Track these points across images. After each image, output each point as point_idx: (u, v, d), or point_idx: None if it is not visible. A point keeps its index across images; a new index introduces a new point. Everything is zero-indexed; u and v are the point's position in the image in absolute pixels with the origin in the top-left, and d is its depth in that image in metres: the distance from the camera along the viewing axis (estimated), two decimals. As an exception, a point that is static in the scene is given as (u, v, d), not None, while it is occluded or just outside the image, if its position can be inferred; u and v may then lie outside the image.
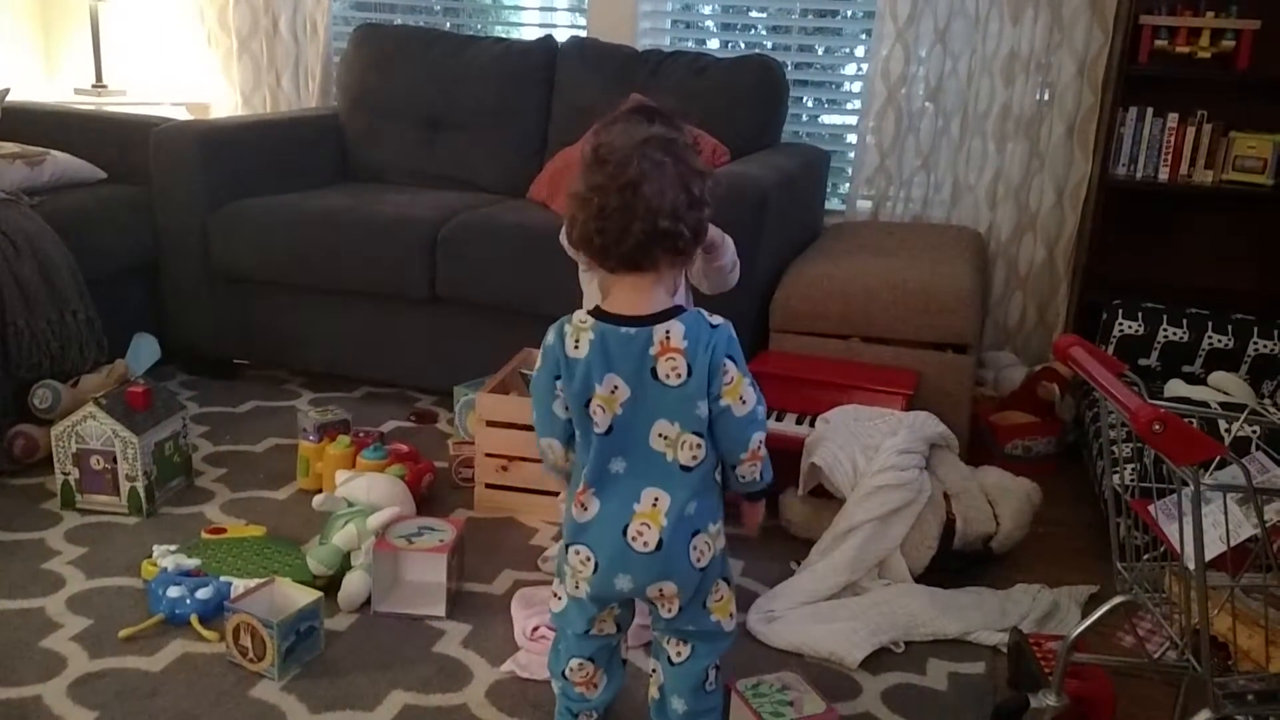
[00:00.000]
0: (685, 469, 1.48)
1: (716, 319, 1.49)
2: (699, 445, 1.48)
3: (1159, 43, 2.97)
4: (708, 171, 1.46)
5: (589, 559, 1.51)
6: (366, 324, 3.10)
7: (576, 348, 1.47)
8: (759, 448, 1.52)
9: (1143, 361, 2.99)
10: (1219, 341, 2.91)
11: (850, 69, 3.66)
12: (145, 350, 2.88)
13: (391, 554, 2.05)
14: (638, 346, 1.45)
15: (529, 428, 2.37)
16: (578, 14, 3.86)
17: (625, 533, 1.48)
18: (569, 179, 3.00)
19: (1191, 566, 1.36)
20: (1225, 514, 1.35)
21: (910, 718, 1.81)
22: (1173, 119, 3.04)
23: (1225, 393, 2.47)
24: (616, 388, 1.46)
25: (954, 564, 2.26)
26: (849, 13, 3.57)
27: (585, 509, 1.51)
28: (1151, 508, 1.54)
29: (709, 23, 3.82)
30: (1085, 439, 2.80)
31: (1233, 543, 1.35)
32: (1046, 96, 3.27)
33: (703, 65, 3.39)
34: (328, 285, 3.06)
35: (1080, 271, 3.22)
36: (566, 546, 1.55)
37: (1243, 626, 1.43)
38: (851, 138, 3.62)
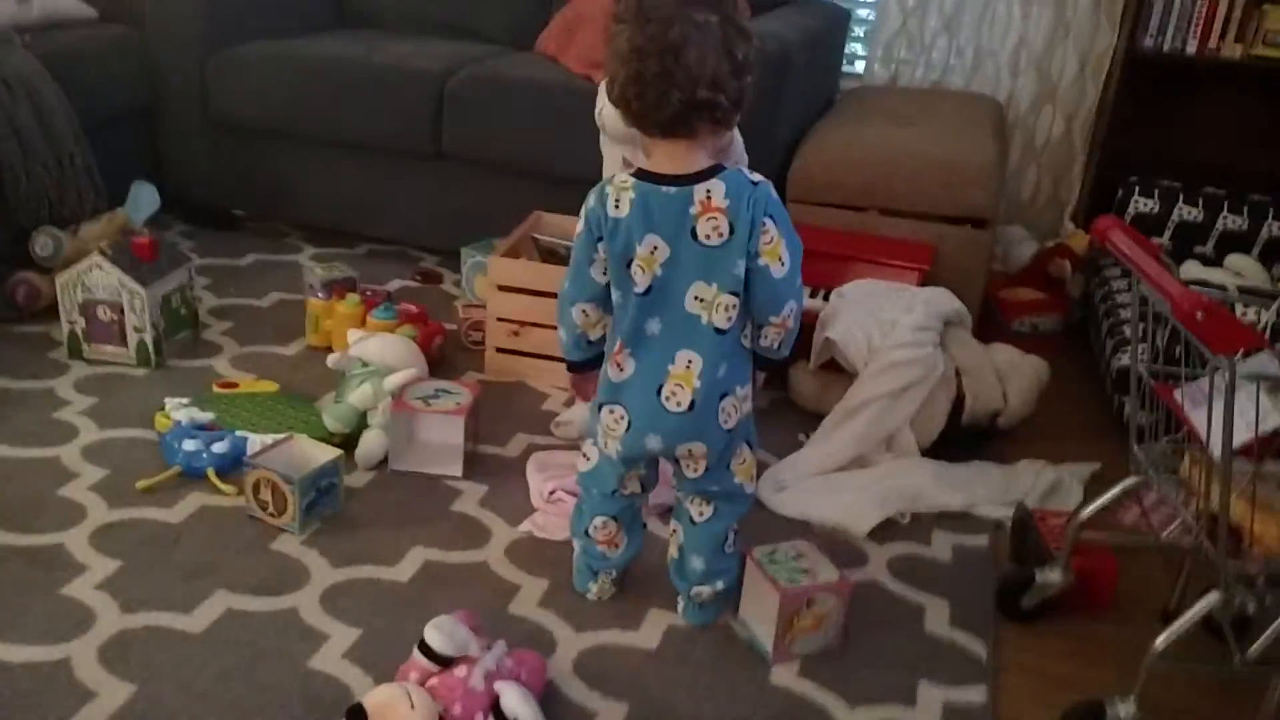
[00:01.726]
0: (719, 331, 1.48)
1: (757, 176, 1.46)
2: (734, 306, 1.47)
3: (1200, -92, 2.84)
4: (753, 34, 1.40)
5: (622, 418, 1.53)
6: (369, 178, 3.03)
7: (618, 208, 1.45)
8: (790, 316, 1.51)
9: (1155, 240, 2.97)
10: (1233, 223, 2.90)
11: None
12: (145, 198, 2.81)
13: (409, 414, 2.05)
14: (678, 206, 1.43)
15: (541, 293, 2.39)
16: None
17: (659, 393, 1.50)
18: (581, 34, 2.95)
19: (1218, 453, 1.37)
20: (1257, 403, 1.35)
21: (915, 587, 1.86)
22: (1209, -11, 2.94)
23: (1240, 275, 2.46)
24: (656, 248, 1.45)
25: (960, 438, 2.28)
26: None
27: (621, 369, 1.52)
28: (1176, 393, 1.55)
29: None
30: (1093, 318, 2.81)
31: (1260, 432, 1.36)
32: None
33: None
34: (330, 136, 2.98)
35: (1099, 145, 3.16)
36: (600, 406, 1.56)
37: (1259, 512, 1.45)
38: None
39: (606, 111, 2.00)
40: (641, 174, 1.46)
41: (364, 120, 2.91)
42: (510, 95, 2.81)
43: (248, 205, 3.20)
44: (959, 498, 2.11)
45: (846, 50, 3.49)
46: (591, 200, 1.49)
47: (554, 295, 2.35)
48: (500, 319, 2.46)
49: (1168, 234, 2.95)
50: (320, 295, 2.54)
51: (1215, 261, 2.69)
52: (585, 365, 1.64)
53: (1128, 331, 2.46)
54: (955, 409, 2.26)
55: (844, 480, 2.11)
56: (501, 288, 2.43)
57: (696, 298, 1.47)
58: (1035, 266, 2.97)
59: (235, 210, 3.24)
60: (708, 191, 1.43)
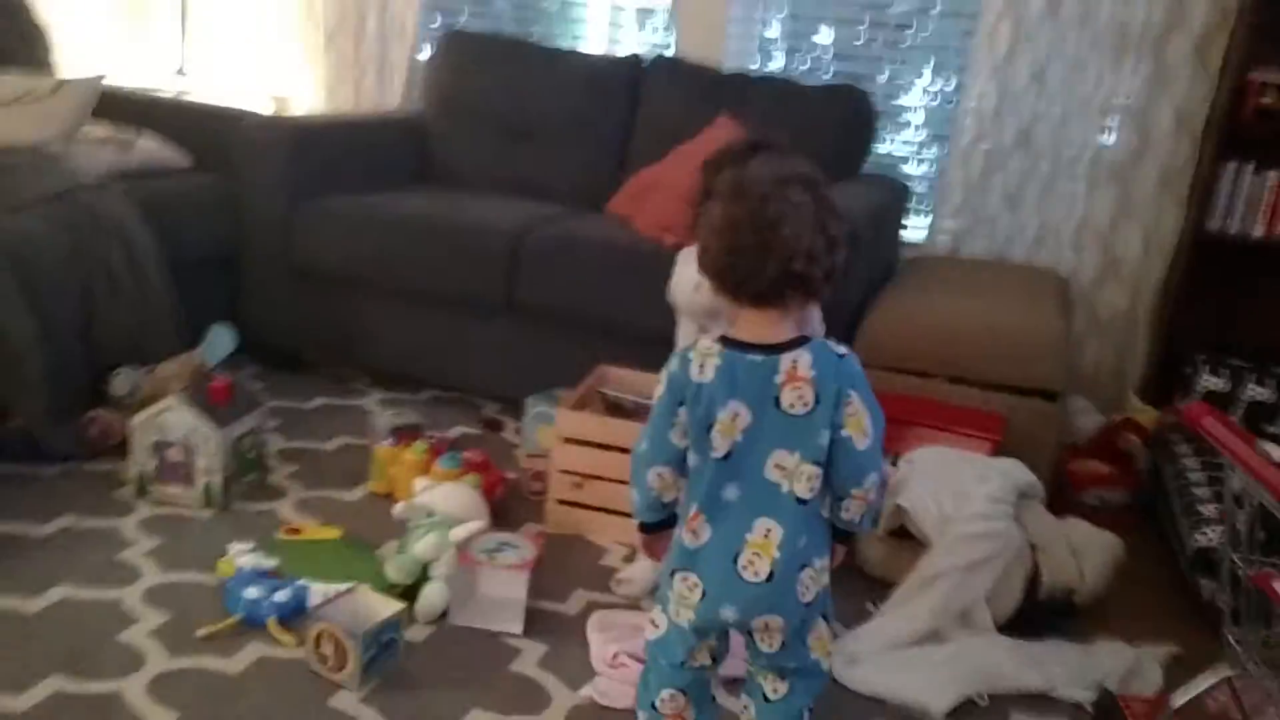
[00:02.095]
0: (800, 501, 1.46)
1: (842, 348, 1.47)
2: (817, 476, 1.45)
3: (1264, 100, 2.91)
4: (845, 214, 1.44)
5: (696, 585, 1.49)
6: (439, 328, 3.09)
7: (701, 372, 1.45)
8: (872, 489, 1.49)
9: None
10: (1306, 404, 2.86)
11: (914, 96, 3.62)
12: (222, 341, 2.89)
13: (473, 568, 2.03)
14: (764, 374, 1.44)
15: (607, 446, 2.39)
16: (662, 31, 3.85)
17: (736, 561, 1.46)
18: (653, 198, 3.03)
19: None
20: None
21: (997, 777, 1.77)
22: (1272, 176, 2.98)
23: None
24: (738, 414, 1.45)
25: (1036, 616, 2.21)
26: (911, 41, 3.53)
27: (696, 535, 1.50)
28: (1277, 583, 1.49)
29: (809, 45, 3.78)
30: (1163, 495, 2.74)
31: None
32: (1142, 144, 3.21)
33: (791, 91, 3.37)
34: (406, 287, 3.06)
35: (1164, 322, 3.16)
36: (672, 573, 1.53)
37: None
38: (910, 167, 3.58)
39: (677, 287, 2.04)
40: (727, 341, 1.47)
41: (442, 272, 2.99)
42: (582, 253, 2.88)
43: (319, 350, 3.27)
44: (1038, 678, 2.02)
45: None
46: (674, 364, 1.50)
47: (620, 450, 2.40)
48: (564, 470, 2.45)
49: (1239, 412, 2.91)
50: (387, 441, 2.56)
51: (1295, 443, 2.64)
52: (657, 526, 1.62)
53: (1205, 511, 2.41)
54: (1031, 585, 2.20)
55: (919, 656, 2.04)
56: (568, 439, 2.43)
57: (777, 466, 1.46)
58: (1103, 439, 2.93)
59: (306, 355, 3.30)
60: (794, 361, 1.44)
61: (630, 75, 3.53)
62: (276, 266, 3.14)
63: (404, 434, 2.62)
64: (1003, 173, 3.36)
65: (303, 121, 3.33)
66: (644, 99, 3.49)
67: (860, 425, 1.45)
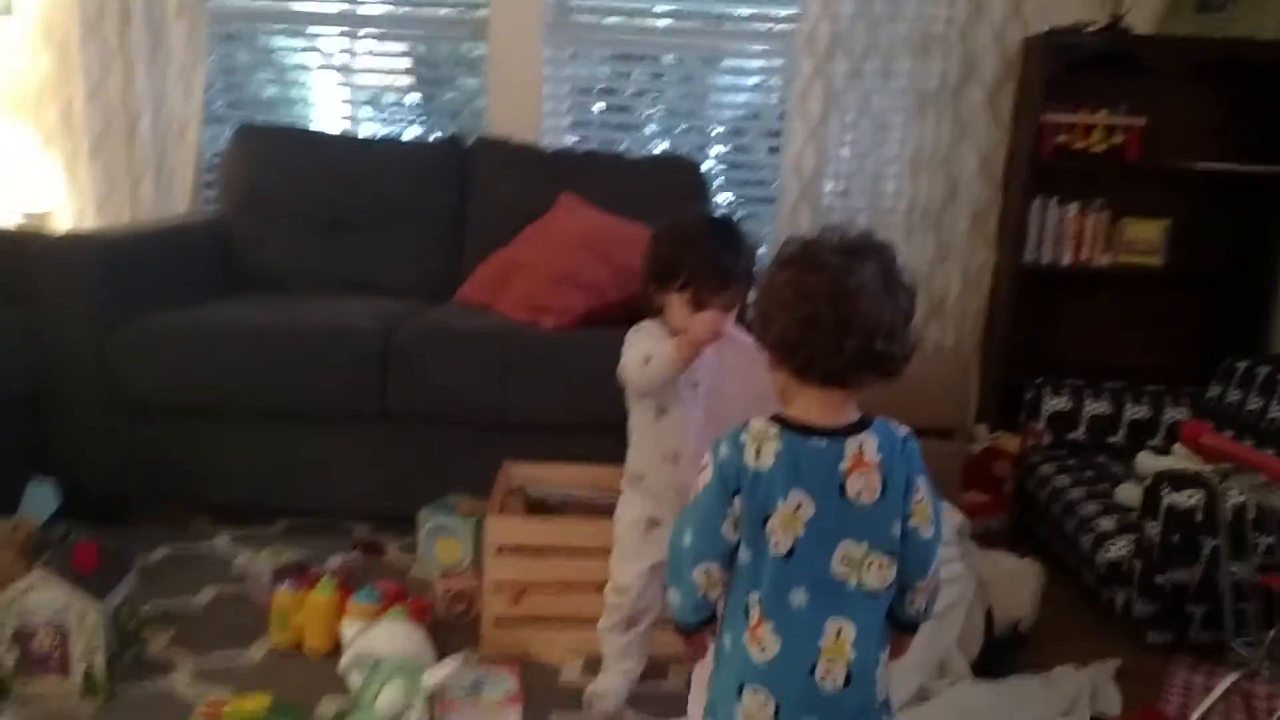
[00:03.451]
0: (871, 594, 1.38)
1: (903, 429, 1.42)
2: (889, 565, 1.38)
3: (1059, 139, 3.21)
4: (913, 284, 1.40)
5: (768, 702, 1.37)
6: (295, 448, 2.79)
7: (758, 458, 1.35)
8: (935, 576, 1.45)
9: (1072, 435, 3.17)
10: (1137, 412, 3.14)
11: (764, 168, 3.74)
12: (42, 499, 2.47)
13: (457, 713, 1.81)
14: (829, 460, 1.35)
15: (548, 550, 2.22)
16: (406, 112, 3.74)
17: (813, 673, 1.36)
18: (519, 280, 2.90)
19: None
20: None
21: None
22: (1073, 208, 3.28)
23: (1192, 460, 2.63)
24: (801, 505, 1.34)
25: (994, 653, 2.26)
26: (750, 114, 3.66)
27: (764, 648, 1.37)
28: (1291, 585, 1.59)
29: (621, 120, 3.79)
30: (1042, 515, 2.91)
31: None
32: (949, 190, 3.44)
33: (625, 165, 3.37)
34: (253, 407, 2.74)
35: (996, 351, 3.38)
36: (739, 687, 1.40)
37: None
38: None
39: (628, 366, 1.94)
40: (784, 422, 1.38)
41: (296, 387, 2.70)
42: (461, 346, 2.71)
43: (150, 492, 2.84)
44: (1026, 717, 2.06)
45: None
46: (724, 450, 1.38)
47: (561, 550, 2.24)
48: (499, 584, 2.26)
49: (1083, 427, 3.15)
50: (284, 586, 2.25)
51: (1164, 450, 2.89)
52: (700, 626, 1.50)
53: (1103, 526, 2.57)
54: (987, 623, 2.25)
55: (911, 717, 2.02)
56: (501, 549, 2.24)
57: (844, 558, 1.36)
58: (975, 469, 3.07)
59: (135, 498, 2.88)
60: (860, 446, 1.35)
61: (453, 158, 3.40)
62: (92, 401, 2.72)
63: (297, 575, 2.33)
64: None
65: (105, 236, 2.92)
66: (473, 182, 3.36)
67: (926, 514, 1.39)
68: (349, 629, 2.03)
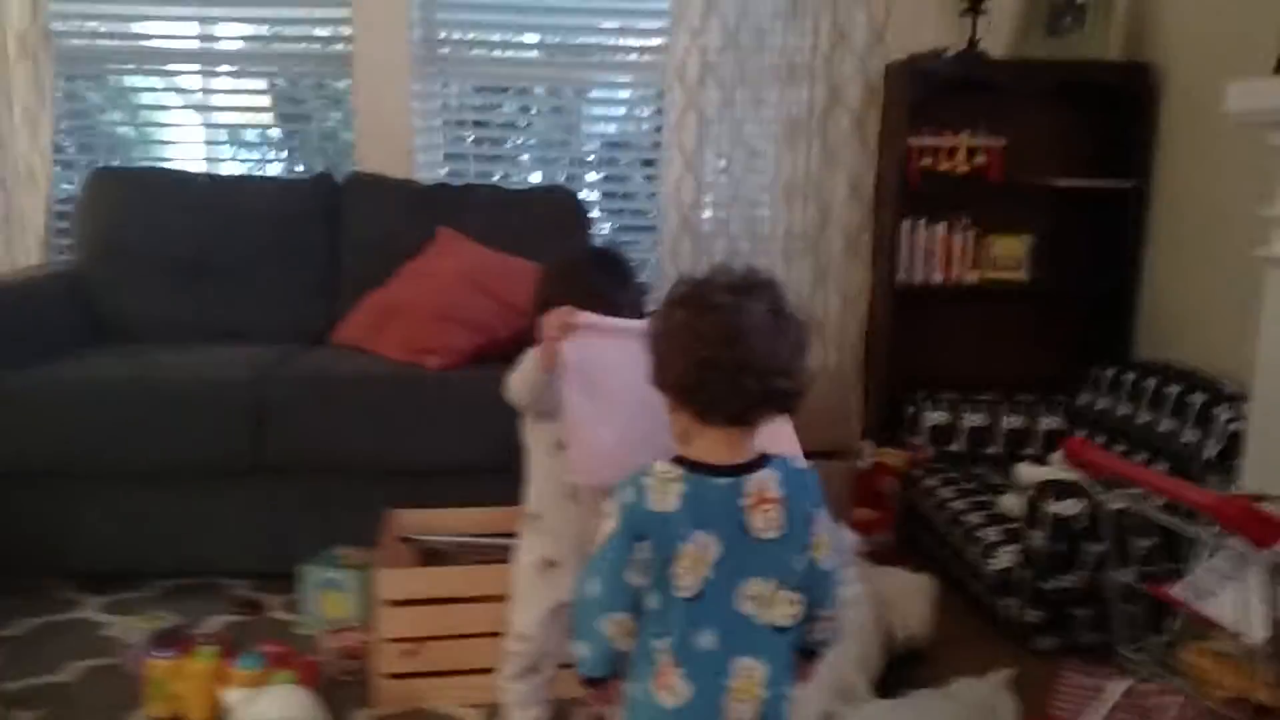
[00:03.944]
0: (779, 630, 1.38)
1: (801, 462, 1.42)
2: (797, 601, 1.38)
3: (924, 162, 3.30)
4: (804, 314, 1.40)
5: None
6: (165, 507, 2.66)
7: (662, 501, 1.33)
8: (838, 605, 1.45)
9: (952, 447, 3.25)
10: (1013, 423, 3.25)
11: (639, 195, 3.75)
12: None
13: (356, 781, 1.72)
14: (731, 498, 1.35)
15: (441, 600, 2.15)
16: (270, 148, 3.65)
17: (720, 715, 1.35)
18: (399, 321, 2.82)
19: (1258, 638, 1.46)
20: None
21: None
22: (941, 228, 3.38)
23: (1070, 469, 2.72)
24: (707, 546, 1.34)
25: (895, 671, 2.28)
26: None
27: (674, 693, 1.35)
28: (1172, 590, 1.64)
29: (487, 155, 3.75)
30: (929, 527, 2.97)
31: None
32: (823, 215, 3.51)
33: (503, 197, 3.33)
34: (118, 466, 2.60)
35: (877, 370, 3.45)
36: None
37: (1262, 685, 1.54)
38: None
39: (509, 381, 1.90)
40: (686, 463, 1.37)
41: (164, 443, 2.57)
42: (341, 392, 2.63)
43: (5, 563, 2.65)
44: (931, 734, 2.08)
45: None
46: (629, 495, 1.36)
47: (455, 601, 2.17)
48: (392, 639, 2.17)
49: (962, 439, 3.24)
50: (158, 654, 2.12)
51: (1043, 460, 2.98)
52: (609, 678, 1.46)
53: (988, 536, 2.64)
54: (886, 641, 2.27)
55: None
56: (393, 603, 2.16)
57: (751, 597, 1.36)
58: (863, 486, 3.12)
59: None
60: (761, 482, 1.36)
61: (324, 196, 3.30)
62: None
63: (174, 641, 2.20)
64: (707, 257, 3.52)
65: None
66: (346, 220, 3.26)
67: (827, 544, 1.41)
68: (232, 697, 1.92)
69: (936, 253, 3.40)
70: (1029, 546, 2.47)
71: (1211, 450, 2.51)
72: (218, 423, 2.57)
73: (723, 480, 1.35)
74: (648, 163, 3.67)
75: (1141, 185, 3.24)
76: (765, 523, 1.35)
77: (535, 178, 3.71)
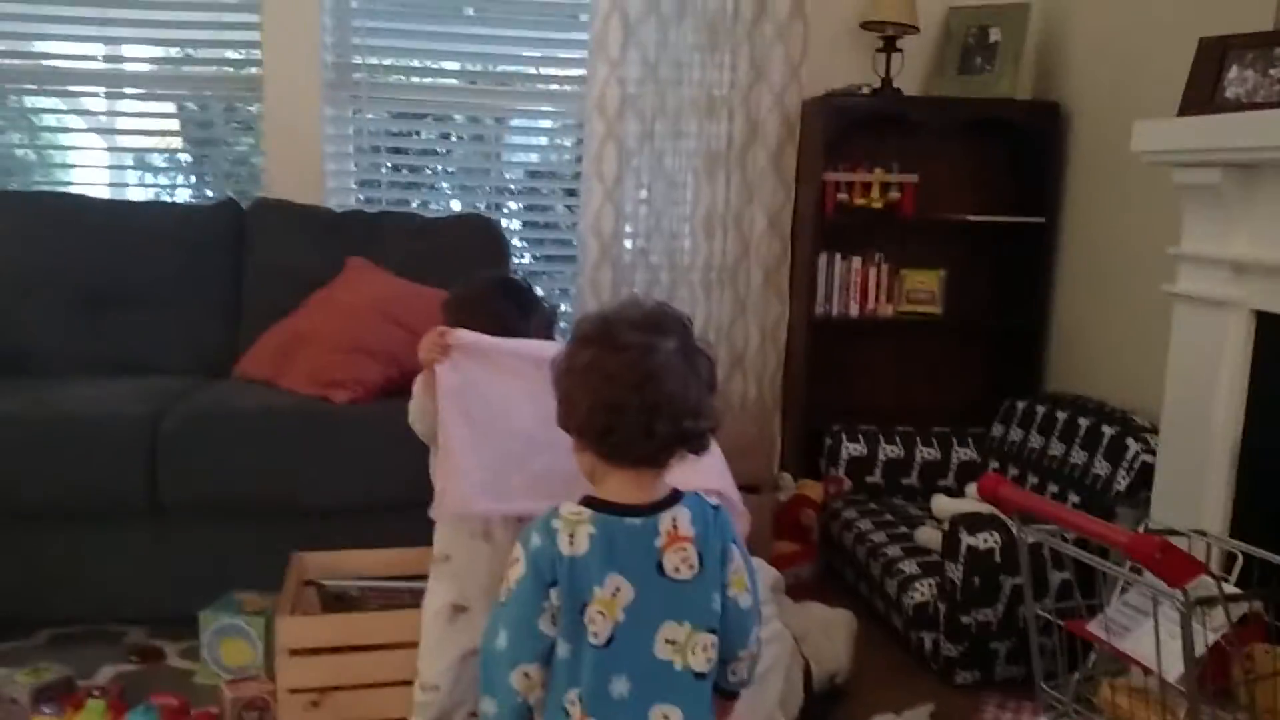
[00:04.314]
0: (698, 675, 1.33)
1: (713, 499, 1.38)
2: (712, 645, 1.34)
3: (840, 197, 3.33)
4: (712, 355, 1.37)
5: None
6: (52, 550, 2.52)
7: (572, 544, 1.28)
8: (756, 643, 1.42)
9: (869, 479, 3.26)
10: (928, 454, 3.27)
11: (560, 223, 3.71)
12: None
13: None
14: (644, 539, 1.31)
15: (346, 649, 2.06)
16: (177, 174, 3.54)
17: None
18: (306, 353, 2.73)
19: (1171, 677, 1.46)
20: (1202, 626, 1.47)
21: None
22: (856, 261, 3.41)
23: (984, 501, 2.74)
24: (619, 589, 1.29)
25: (813, 709, 2.25)
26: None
27: None
28: (1089, 626, 1.64)
29: (399, 182, 3.68)
30: (849, 560, 2.96)
31: (1199, 652, 1.47)
32: (742, 248, 3.51)
33: (419, 225, 3.26)
34: (3, 506, 2.44)
35: (796, 402, 3.45)
36: None
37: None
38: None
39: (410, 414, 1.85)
40: (595, 503, 1.32)
41: (48, 482, 2.44)
42: (239, 427, 2.52)
43: None
44: (849, 774, 2.06)
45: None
46: (537, 539, 1.30)
47: (361, 649, 2.09)
48: (294, 690, 2.07)
49: (879, 471, 3.25)
50: (48, 710, 1.99)
51: (958, 492, 3.00)
52: None
53: (907, 569, 2.64)
54: (806, 679, 2.24)
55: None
56: (294, 652, 2.06)
57: (667, 640, 1.31)
58: (784, 518, 3.10)
59: None
60: (674, 520, 1.32)
61: (229, 222, 3.19)
62: None
63: (60, 694, 2.07)
64: (628, 287, 3.49)
65: None
66: (252, 247, 3.16)
67: (744, 582, 1.38)
68: (122, 757, 1.81)
69: (853, 286, 3.42)
70: (945, 579, 2.47)
71: (1122, 482, 2.56)
72: (111, 460, 2.44)
73: (635, 520, 1.31)
74: (570, 192, 3.63)
75: (1051, 221, 3.31)
76: (679, 561, 1.31)
77: (456, 205, 3.65)
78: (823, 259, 3.40)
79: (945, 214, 3.36)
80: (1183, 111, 2.10)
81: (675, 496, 1.34)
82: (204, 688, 2.33)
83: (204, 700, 2.24)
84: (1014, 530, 1.80)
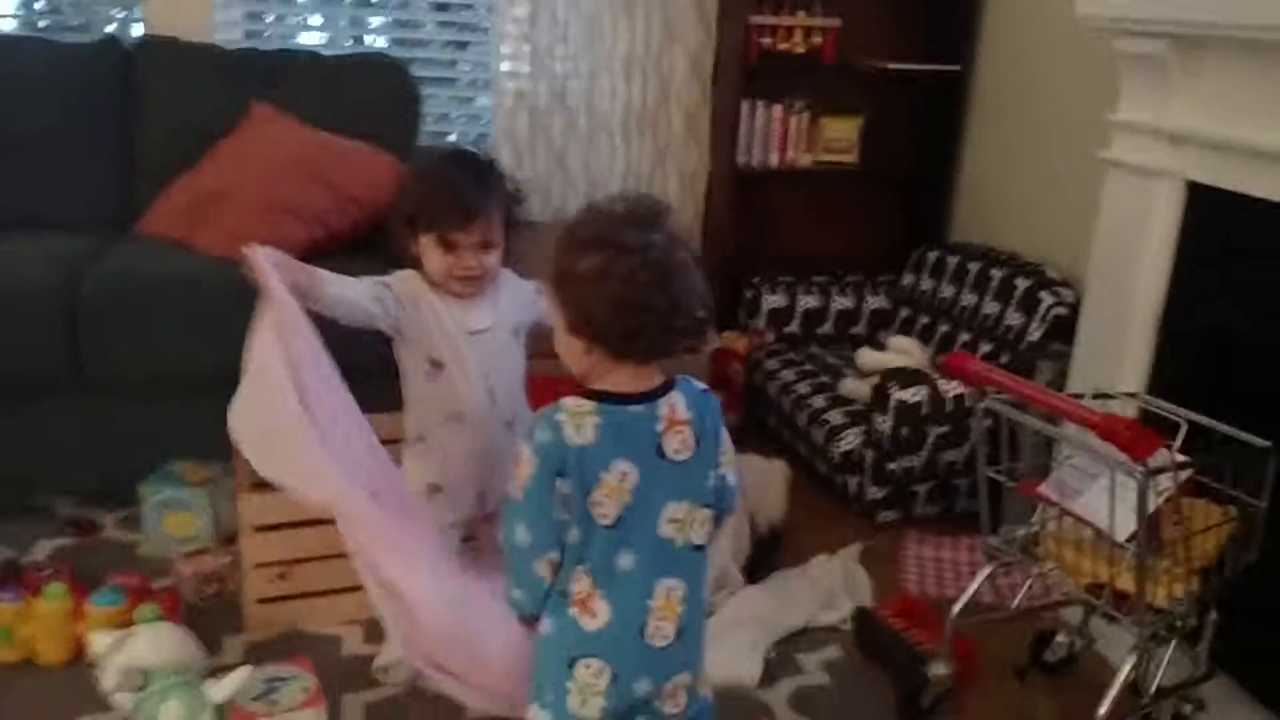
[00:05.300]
0: (698, 548, 1.41)
1: (701, 384, 1.43)
2: (710, 519, 1.42)
3: (763, 41, 3.28)
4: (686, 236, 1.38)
5: (603, 671, 1.37)
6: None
7: (579, 434, 1.31)
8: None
9: (788, 329, 3.36)
10: (842, 304, 3.38)
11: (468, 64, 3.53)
12: None
13: (256, 725, 1.66)
14: (645, 425, 1.35)
15: (306, 523, 2.06)
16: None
17: (643, 634, 1.38)
18: (219, 212, 2.58)
19: (1120, 537, 1.62)
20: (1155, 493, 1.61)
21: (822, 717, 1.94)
22: (777, 110, 3.39)
23: (909, 354, 2.87)
24: (626, 474, 1.34)
25: (758, 557, 2.39)
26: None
27: (594, 615, 1.36)
28: (1041, 489, 1.78)
29: (298, 17, 3.41)
30: (775, 409, 3.07)
31: (1146, 516, 1.61)
32: (663, 92, 3.44)
33: (323, 68, 3.05)
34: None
35: (716, 252, 3.48)
36: (570, 661, 1.38)
37: (1121, 571, 1.71)
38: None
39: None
40: (597, 394, 1.34)
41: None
42: (168, 296, 2.38)
43: None
44: (798, 616, 2.22)
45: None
46: (545, 433, 1.32)
47: (322, 523, 2.08)
48: (260, 565, 2.07)
49: (796, 321, 3.35)
50: (2, 598, 1.94)
51: (871, 339, 3.13)
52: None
53: (833, 419, 2.76)
54: (750, 530, 2.37)
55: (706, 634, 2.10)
56: (259, 528, 2.05)
57: (671, 519, 1.38)
58: (711, 372, 3.18)
59: None
60: (671, 405, 1.36)
61: (113, 63, 2.91)
62: None
63: (12, 577, 2.02)
64: (546, 133, 3.40)
65: None
66: (144, 91, 2.91)
67: (732, 460, 1.45)
68: (99, 642, 1.78)
69: (774, 135, 3.42)
70: (873, 430, 2.61)
71: (1035, 334, 2.72)
72: (29, 333, 2.29)
73: (637, 407, 1.34)
74: (441, 6, 3.41)
75: (965, 71, 3.34)
76: (678, 444, 1.36)
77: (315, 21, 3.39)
78: (744, 106, 3.37)
79: (865, 60, 3.35)
80: (1128, -21, 2.12)
81: (669, 383, 1.38)
82: (151, 559, 2.31)
83: (152, 572, 2.22)
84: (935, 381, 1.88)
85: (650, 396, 1.35)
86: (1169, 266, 2.12)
